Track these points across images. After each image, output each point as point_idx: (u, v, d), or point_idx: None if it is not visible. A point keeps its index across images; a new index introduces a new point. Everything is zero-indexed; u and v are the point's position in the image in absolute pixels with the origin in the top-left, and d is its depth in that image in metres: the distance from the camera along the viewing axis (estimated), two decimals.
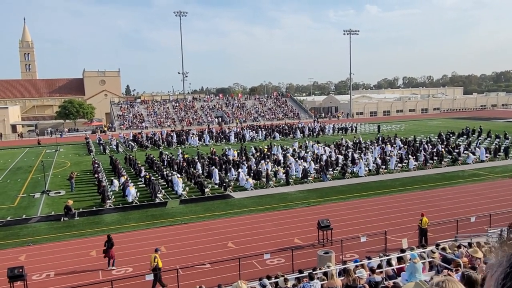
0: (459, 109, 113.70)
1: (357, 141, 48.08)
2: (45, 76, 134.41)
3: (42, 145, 64.12)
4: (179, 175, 31.67)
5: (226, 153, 42.83)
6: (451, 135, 54.17)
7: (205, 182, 30.89)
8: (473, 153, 38.49)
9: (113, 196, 28.20)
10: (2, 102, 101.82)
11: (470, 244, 14.29)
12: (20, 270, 14.90)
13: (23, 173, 40.61)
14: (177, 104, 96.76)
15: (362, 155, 38.85)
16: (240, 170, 33.07)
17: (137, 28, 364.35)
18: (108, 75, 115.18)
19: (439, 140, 47.87)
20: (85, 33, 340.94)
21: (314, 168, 34.21)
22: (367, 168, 34.74)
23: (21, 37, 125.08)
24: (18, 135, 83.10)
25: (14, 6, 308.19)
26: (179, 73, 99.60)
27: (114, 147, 55.98)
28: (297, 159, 37.64)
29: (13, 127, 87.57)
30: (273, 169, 34.16)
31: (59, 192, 31.45)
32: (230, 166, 34.82)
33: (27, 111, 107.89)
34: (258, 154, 41.43)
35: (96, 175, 33.92)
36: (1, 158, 51.86)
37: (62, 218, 24.35)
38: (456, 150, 39.68)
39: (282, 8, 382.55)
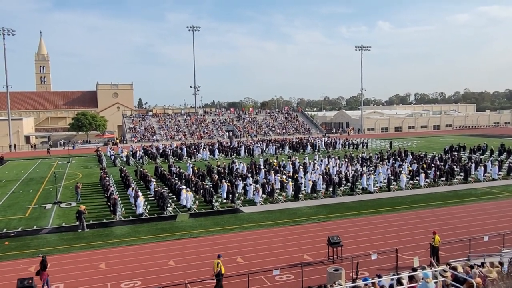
0: (472, 126, 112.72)
1: (368, 156, 47.84)
2: (59, 88, 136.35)
3: (54, 157, 64.85)
4: (188, 189, 31.70)
5: (237, 167, 42.83)
6: (461, 149, 53.76)
7: (215, 196, 30.89)
8: (485, 169, 38.00)
9: (123, 208, 28.31)
10: (16, 113, 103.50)
11: (483, 264, 14.03)
12: (30, 281, 14.92)
13: (35, 184, 41.04)
14: (189, 118, 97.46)
15: (372, 170, 38.61)
16: (249, 183, 33.04)
17: (151, 43, 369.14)
18: (121, 88, 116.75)
19: (449, 156, 47.25)
20: (99, 47, 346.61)
21: (323, 183, 34.01)
22: (377, 185, 34.48)
23: (37, 50, 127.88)
24: (31, 146, 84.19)
25: (32, 20, 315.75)
26: (191, 87, 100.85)
27: (125, 159, 56.40)
28: (307, 171, 37.51)
29: (27, 138, 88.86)
30: (283, 182, 34.00)
31: (70, 204, 31.68)
32: (239, 179, 34.82)
33: (40, 122, 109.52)
34: (267, 168, 41.36)
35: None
36: (14, 169, 52.53)
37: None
38: (469, 165, 39.23)
39: (294, 24, 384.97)
